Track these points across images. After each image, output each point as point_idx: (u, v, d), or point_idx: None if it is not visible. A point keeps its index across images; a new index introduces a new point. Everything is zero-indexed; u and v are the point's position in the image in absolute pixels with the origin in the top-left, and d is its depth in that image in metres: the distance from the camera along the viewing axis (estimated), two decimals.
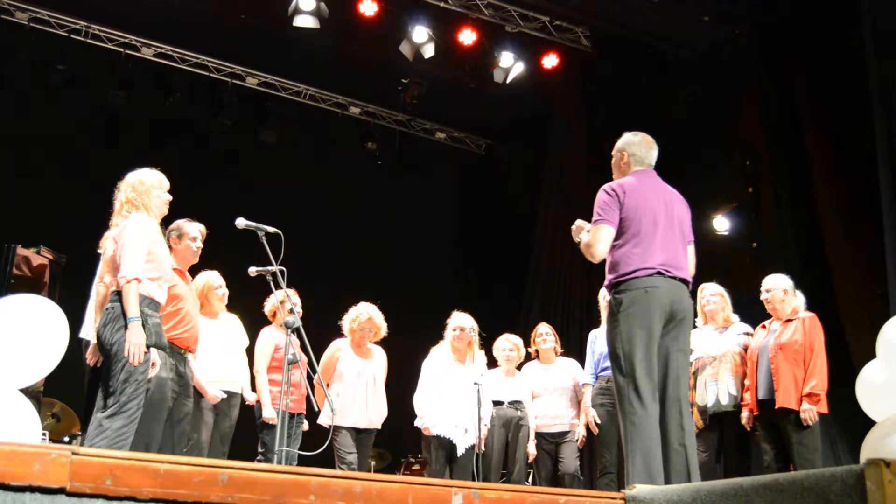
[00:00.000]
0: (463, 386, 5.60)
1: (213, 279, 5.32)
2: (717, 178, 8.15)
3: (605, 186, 3.79)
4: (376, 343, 5.86)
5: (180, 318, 4.37)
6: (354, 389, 5.56)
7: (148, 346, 3.75)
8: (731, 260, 7.66)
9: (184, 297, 4.43)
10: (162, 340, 3.91)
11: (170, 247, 4.46)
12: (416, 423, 5.68)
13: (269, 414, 5.37)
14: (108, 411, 3.61)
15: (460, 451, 5.55)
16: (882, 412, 4.61)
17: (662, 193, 3.84)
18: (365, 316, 5.72)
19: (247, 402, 5.52)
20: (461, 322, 5.76)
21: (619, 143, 4.00)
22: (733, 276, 6.35)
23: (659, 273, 3.62)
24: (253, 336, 5.64)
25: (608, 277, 3.73)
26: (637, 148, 3.94)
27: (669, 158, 4.20)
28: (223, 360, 5.26)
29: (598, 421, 5.57)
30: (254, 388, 5.53)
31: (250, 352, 5.60)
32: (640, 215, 3.69)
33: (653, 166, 3.95)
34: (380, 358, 5.83)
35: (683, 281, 3.73)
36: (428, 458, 5.65)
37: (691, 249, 3.92)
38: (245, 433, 5.60)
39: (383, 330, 5.80)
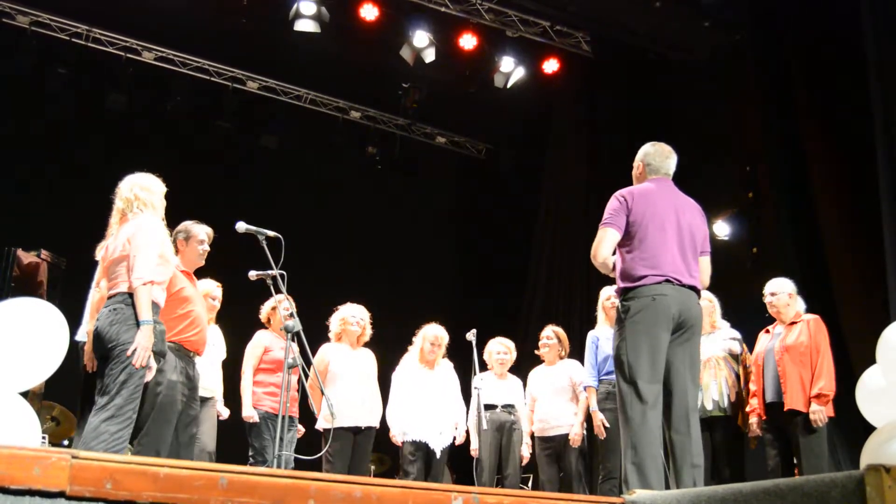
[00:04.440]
0: (435, 390, 5.79)
1: (212, 289, 5.34)
2: (717, 183, 8.13)
3: (616, 193, 3.82)
4: (364, 342, 5.85)
5: (190, 320, 4.30)
6: (348, 389, 5.53)
7: (153, 352, 3.72)
8: (731, 265, 7.65)
9: (193, 300, 4.37)
10: (163, 347, 3.88)
11: (176, 249, 4.42)
12: (392, 435, 5.73)
13: (247, 413, 5.35)
14: (105, 414, 3.56)
15: (437, 454, 5.65)
16: (882, 418, 4.61)
17: (674, 201, 3.83)
18: (359, 318, 5.74)
19: (220, 417, 5.50)
20: (438, 333, 5.93)
21: (638, 155, 4.03)
22: (733, 281, 6.35)
23: (668, 280, 3.61)
24: (243, 343, 5.63)
25: (618, 284, 3.74)
26: (652, 158, 3.96)
27: None
28: (204, 365, 5.23)
29: (607, 425, 5.51)
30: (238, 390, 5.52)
31: (226, 365, 5.60)
32: (647, 221, 3.69)
33: (670, 175, 3.96)
34: (369, 357, 5.82)
35: (693, 289, 3.70)
36: (405, 467, 5.64)
37: (705, 261, 3.88)
38: (238, 436, 5.58)
39: (369, 329, 5.83)
